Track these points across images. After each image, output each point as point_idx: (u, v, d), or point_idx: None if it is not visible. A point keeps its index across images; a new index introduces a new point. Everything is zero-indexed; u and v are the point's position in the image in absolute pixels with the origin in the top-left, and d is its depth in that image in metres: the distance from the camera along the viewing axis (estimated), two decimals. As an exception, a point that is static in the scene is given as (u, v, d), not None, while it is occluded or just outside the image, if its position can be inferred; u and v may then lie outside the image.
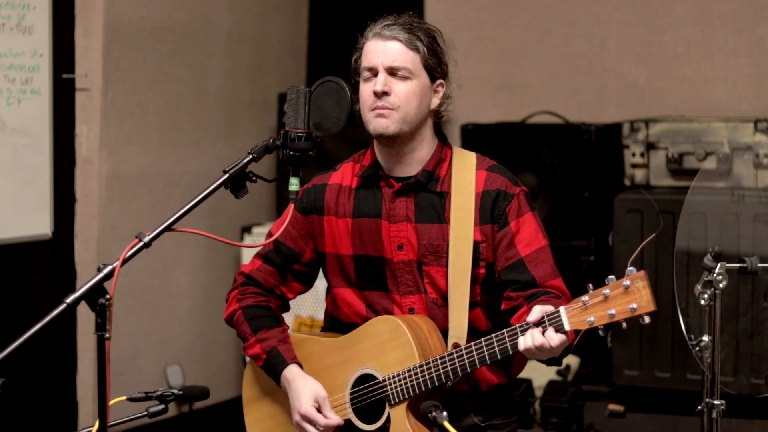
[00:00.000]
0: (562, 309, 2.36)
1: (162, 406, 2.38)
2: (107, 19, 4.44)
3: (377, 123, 2.58)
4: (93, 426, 2.10)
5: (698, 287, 2.76)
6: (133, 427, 4.19)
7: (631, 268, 2.28)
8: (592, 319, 2.31)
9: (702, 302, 2.74)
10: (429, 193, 2.64)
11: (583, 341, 4.98)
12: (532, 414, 4.49)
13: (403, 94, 2.57)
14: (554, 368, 4.62)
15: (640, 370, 4.33)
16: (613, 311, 2.28)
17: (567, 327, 2.34)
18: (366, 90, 2.60)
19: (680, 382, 4.25)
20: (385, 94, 2.56)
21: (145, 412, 2.38)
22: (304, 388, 2.65)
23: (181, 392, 2.42)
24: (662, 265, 4.10)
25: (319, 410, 2.64)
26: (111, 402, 2.07)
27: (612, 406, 4.45)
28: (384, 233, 2.64)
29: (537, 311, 2.38)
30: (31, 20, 4.20)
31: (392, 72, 2.57)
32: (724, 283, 2.72)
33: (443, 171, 2.65)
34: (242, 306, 2.76)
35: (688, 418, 3.18)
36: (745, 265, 2.78)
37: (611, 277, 2.31)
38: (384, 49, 2.58)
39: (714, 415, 2.80)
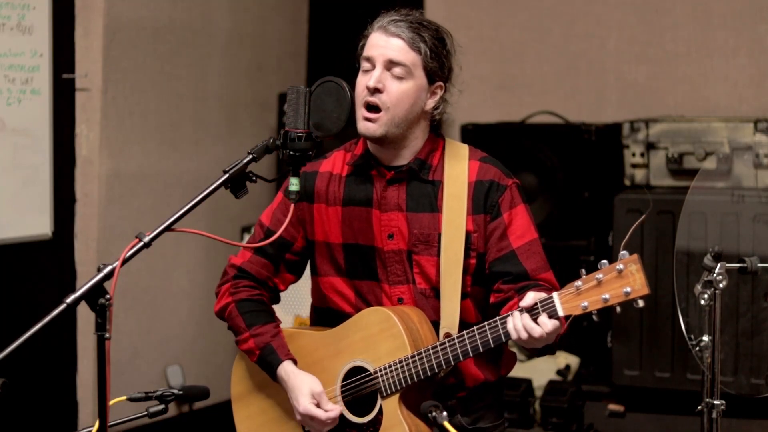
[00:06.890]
0: (555, 295, 2.33)
1: (162, 406, 2.37)
2: (107, 19, 4.44)
3: (363, 126, 2.57)
4: (93, 426, 2.10)
5: (698, 287, 2.75)
6: (133, 427, 4.19)
7: (624, 251, 2.25)
8: (585, 304, 2.28)
9: (702, 302, 2.74)
10: (421, 182, 2.62)
11: (584, 341, 4.97)
12: (532, 414, 4.49)
13: (396, 95, 2.54)
14: (554, 368, 4.63)
15: (640, 370, 4.33)
16: (606, 296, 2.26)
17: (561, 313, 2.32)
18: (361, 82, 2.58)
19: (680, 382, 4.25)
20: (377, 90, 2.54)
21: (145, 412, 2.38)
22: (301, 385, 2.63)
23: (181, 392, 2.41)
24: (662, 265, 4.10)
25: (318, 406, 2.62)
26: (111, 402, 2.07)
27: (612, 406, 4.45)
28: (375, 222, 2.63)
29: (530, 297, 2.36)
30: (31, 20, 4.20)
31: (389, 68, 2.55)
32: (724, 283, 2.72)
33: (435, 160, 2.63)
34: (236, 300, 2.75)
35: (688, 418, 3.18)
36: (745, 265, 2.78)
37: (604, 261, 2.28)
38: (385, 44, 2.55)
39: (714, 415, 2.79)
